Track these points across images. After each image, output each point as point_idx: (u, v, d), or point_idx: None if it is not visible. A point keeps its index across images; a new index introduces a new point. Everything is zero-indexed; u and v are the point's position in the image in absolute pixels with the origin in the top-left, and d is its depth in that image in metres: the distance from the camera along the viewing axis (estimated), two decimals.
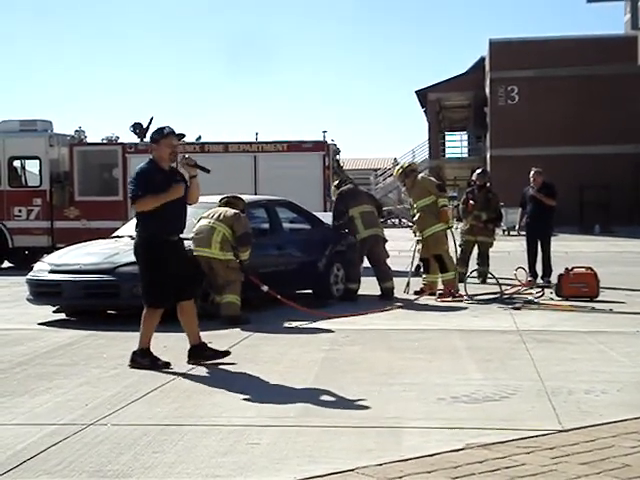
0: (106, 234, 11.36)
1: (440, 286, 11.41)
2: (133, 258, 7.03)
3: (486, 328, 8.61)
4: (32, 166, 18.04)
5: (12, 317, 9.97)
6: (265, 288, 9.42)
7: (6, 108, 77.78)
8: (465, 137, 48.84)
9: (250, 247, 9.24)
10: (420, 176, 12.05)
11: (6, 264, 17.93)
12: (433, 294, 11.23)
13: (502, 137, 36.34)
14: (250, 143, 18.15)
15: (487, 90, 38.41)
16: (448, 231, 11.52)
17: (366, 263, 11.86)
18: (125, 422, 5.04)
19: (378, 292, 11.26)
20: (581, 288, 10.73)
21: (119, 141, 19.95)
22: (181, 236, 6.83)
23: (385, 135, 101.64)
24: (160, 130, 6.73)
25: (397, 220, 40.60)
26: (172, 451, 4.47)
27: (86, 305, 9.79)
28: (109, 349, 7.63)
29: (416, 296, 11.23)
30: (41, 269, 9.90)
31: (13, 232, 17.43)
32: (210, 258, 9.15)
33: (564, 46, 35.75)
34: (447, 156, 45.25)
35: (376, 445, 4.51)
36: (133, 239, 6.96)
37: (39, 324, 9.34)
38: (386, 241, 11.59)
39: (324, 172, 16.99)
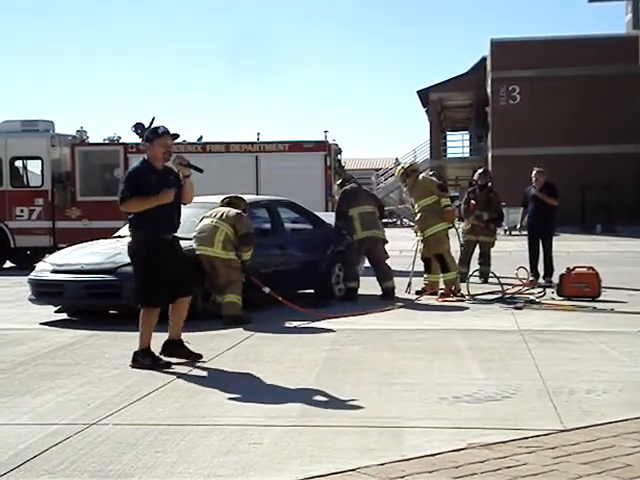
0: (108, 234, 11.37)
1: (441, 286, 11.41)
2: None
3: (488, 328, 8.61)
4: (34, 166, 18.05)
5: (14, 317, 9.99)
6: (267, 290, 9.43)
7: (6, 108, 77.92)
8: (467, 137, 48.85)
9: (252, 247, 9.25)
10: (421, 176, 12.05)
11: (8, 264, 17.94)
12: (434, 294, 11.23)
13: (503, 137, 36.33)
14: (252, 143, 18.16)
15: (488, 90, 38.41)
16: (452, 230, 11.54)
17: (367, 263, 11.89)
18: (127, 422, 5.04)
19: (379, 292, 11.27)
20: (583, 288, 10.73)
21: (121, 141, 19.96)
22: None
23: (386, 135, 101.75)
24: (154, 130, 6.74)
25: (398, 220, 40.59)
26: (174, 451, 4.47)
27: (88, 305, 9.80)
28: (111, 349, 7.64)
29: (417, 296, 11.23)
30: (43, 269, 9.91)
31: (15, 232, 17.44)
32: (212, 257, 9.17)
33: (565, 46, 35.75)
34: (449, 156, 45.23)
35: (378, 445, 4.51)
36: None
37: (41, 324, 9.35)
38: (386, 242, 11.59)
39: (325, 172, 17.00)
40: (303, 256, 11.24)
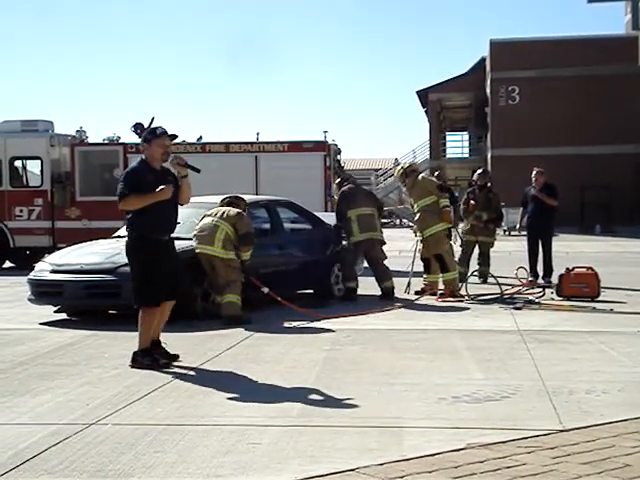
0: (107, 234, 11.37)
1: (441, 286, 11.41)
2: None
3: (487, 328, 8.62)
4: (33, 166, 18.06)
5: (13, 317, 9.98)
6: (266, 290, 9.43)
7: (6, 108, 77.88)
8: (466, 137, 48.86)
9: (252, 247, 9.25)
10: (421, 176, 12.05)
11: (7, 264, 17.94)
12: (434, 294, 11.24)
13: (503, 137, 36.35)
14: (251, 143, 18.19)
15: (488, 90, 38.43)
16: (453, 230, 11.55)
17: (366, 263, 11.89)
18: (126, 422, 5.04)
19: (378, 292, 11.27)
20: (582, 288, 10.74)
21: (120, 141, 19.95)
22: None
23: (386, 135, 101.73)
24: (153, 130, 6.77)
25: (398, 220, 40.60)
26: (173, 451, 4.47)
27: (87, 305, 9.79)
28: (110, 349, 7.64)
29: (417, 296, 11.24)
30: (42, 269, 9.91)
31: (14, 232, 17.44)
32: (212, 256, 9.17)
33: (565, 46, 35.77)
34: (448, 156, 45.23)
35: (377, 445, 4.51)
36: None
37: (40, 324, 9.35)
38: (384, 243, 11.59)
39: (325, 172, 17.01)
40: (302, 256, 11.25)
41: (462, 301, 10.80)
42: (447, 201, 11.50)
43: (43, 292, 9.77)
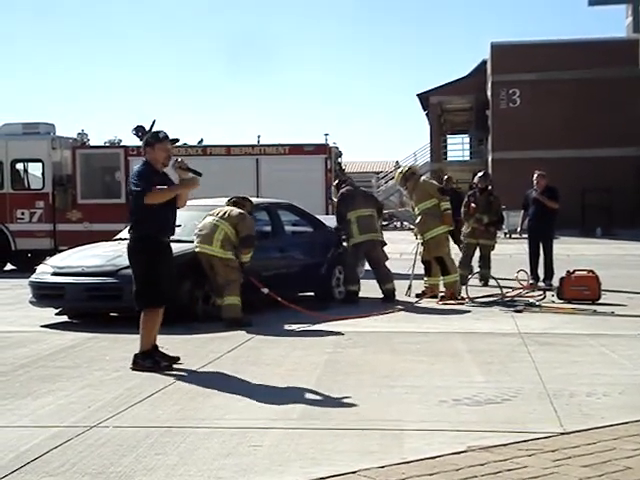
0: (108, 237, 11.38)
1: (442, 289, 11.42)
2: None
3: (488, 331, 8.62)
4: (35, 169, 18.08)
5: (15, 319, 9.99)
6: (265, 290, 9.42)
7: (6, 108, 77.95)
8: (467, 140, 48.82)
9: (252, 249, 9.25)
10: (422, 179, 12.07)
11: (9, 267, 17.95)
12: (435, 297, 11.24)
13: (504, 140, 36.34)
14: (252, 146, 18.20)
15: (489, 93, 38.43)
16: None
17: (367, 266, 11.89)
18: (127, 424, 5.05)
19: (380, 294, 11.27)
20: (583, 291, 10.74)
21: (121, 144, 19.97)
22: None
23: (387, 137, 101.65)
24: (156, 134, 6.88)
25: (399, 223, 40.61)
26: (174, 453, 4.48)
27: (89, 307, 9.80)
28: (111, 351, 7.64)
29: (418, 299, 11.24)
30: (44, 271, 9.92)
31: (16, 235, 17.45)
32: (210, 255, 9.17)
33: (566, 49, 35.77)
34: (449, 159, 45.20)
35: (378, 447, 4.52)
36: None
37: (42, 326, 9.36)
38: (384, 244, 11.60)
39: (326, 175, 17.02)
40: (303, 259, 11.26)
41: (463, 304, 10.80)
42: (448, 204, 11.50)
43: (44, 294, 9.78)
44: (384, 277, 11.30)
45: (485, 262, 13.08)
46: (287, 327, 9.03)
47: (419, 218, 11.50)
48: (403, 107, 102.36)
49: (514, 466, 4.10)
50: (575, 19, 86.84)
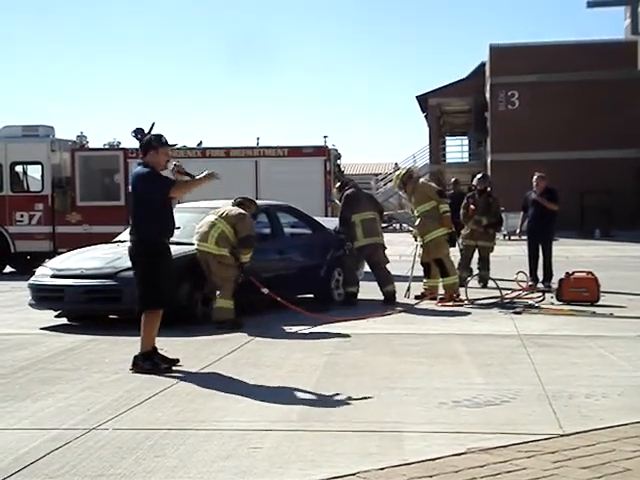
0: (108, 239, 11.38)
1: (441, 291, 11.43)
2: None
3: (487, 332, 8.62)
4: (34, 171, 18.07)
5: (14, 322, 9.99)
6: (265, 291, 9.41)
7: (6, 109, 77.93)
8: (466, 142, 48.86)
9: (252, 250, 9.25)
10: (420, 181, 12.09)
11: (8, 269, 17.95)
12: (434, 299, 11.25)
13: (502, 142, 36.37)
14: (251, 148, 18.22)
15: (487, 95, 38.46)
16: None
17: (367, 268, 11.90)
18: (127, 426, 5.05)
19: (379, 296, 11.28)
20: (582, 292, 10.75)
21: (120, 146, 19.97)
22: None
23: (386, 139, 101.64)
24: (159, 138, 7.00)
25: (398, 225, 40.63)
26: (174, 455, 4.48)
27: (88, 310, 9.80)
28: (111, 354, 7.64)
29: (417, 301, 11.25)
30: (43, 274, 9.92)
31: (15, 237, 17.45)
32: (206, 252, 9.18)
33: (564, 51, 35.81)
34: (448, 161, 45.24)
35: (378, 449, 4.52)
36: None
37: (41, 329, 9.36)
38: (385, 248, 11.61)
39: (325, 177, 17.03)
40: (303, 261, 11.27)
41: (462, 305, 10.81)
42: (447, 206, 11.52)
43: (44, 297, 9.78)
44: (384, 279, 11.31)
45: (484, 264, 13.09)
46: (287, 329, 9.03)
47: (418, 220, 11.51)
48: (402, 109, 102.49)
49: (513, 468, 4.10)
50: (574, 21, 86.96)
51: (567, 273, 11.07)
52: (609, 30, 78.97)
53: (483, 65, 40.10)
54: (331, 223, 12.25)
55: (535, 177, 13.04)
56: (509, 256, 19.03)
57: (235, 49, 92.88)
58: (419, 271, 11.83)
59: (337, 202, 12.09)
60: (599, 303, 10.60)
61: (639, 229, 31.17)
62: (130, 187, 7.04)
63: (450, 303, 10.94)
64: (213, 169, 7.04)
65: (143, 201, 6.84)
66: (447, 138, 48.67)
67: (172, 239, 7.13)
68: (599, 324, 9.14)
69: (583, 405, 5.42)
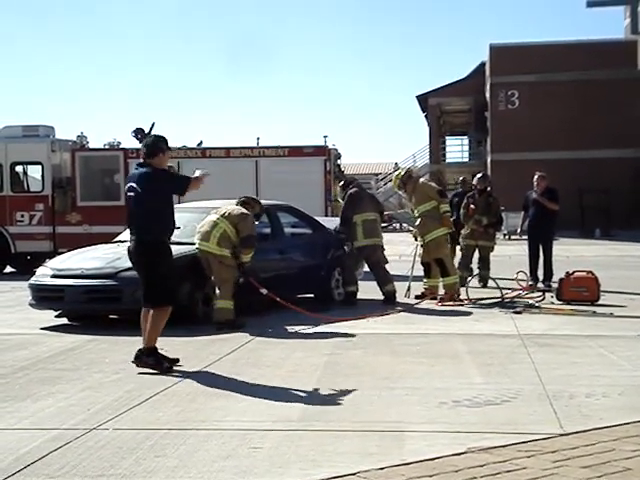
0: (108, 239, 11.39)
1: (441, 290, 11.43)
2: None
3: (487, 332, 8.63)
4: (34, 171, 18.08)
5: (14, 322, 9.99)
6: (264, 291, 9.40)
7: (6, 109, 77.99)
8: (466, 142, 48.87)
9: (253, 250, 9.24)
10: (421, 181, 12.09)
11: (8, 269, 17.95)
12: (434, 298, 11.25)
13: (502, 142, 36.38)
14: (251, 148, 18.21)
15: (487, 95, 38.47)
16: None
17: (366, 267, 11.90)
18: (127, 426, 5.05)
19: (379, 296, 11.28)
20: (582, 292, 10.75)
21: (121, 146, 19.97)
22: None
23: (386, 139, 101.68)
24: (166, 142, 7.13)
25: (398, 224, 40.64)
26: (174, 455, 4.48)
27: (88, 310, 9.80)
28: (111, 354, 7.65)
29: (417, 300, 11.25)
30: (43, 274, 9.93)
31: (15, 237, 17.46)
32: (207, 252, 9.18)
33: (564, 51, 35.81)
34: (448, 160, 45.26)
35: (378, 449, 4.52)
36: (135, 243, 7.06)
37: (41, 329, 9.36)
38: (384, 249, 11.61)
39: (325, 177, 17.03)
40: (303, 260, 11.27)
41: (462, 305, 10.82)
42: (447, 206, 11.54)
43: (44, 297, 9.78)
44: (383, 278, 11.31)
45: (484, 263, 13.09)
46: (287, 329, 9.03)
47: (419, 220, 11.52)
48: (402, 109, 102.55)
49: (513, 467, 4.10)
50: (573, 21, 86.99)
51: (567, 273, 11.07)
52: (609, 30, 79.03)
53: (483, 65, 40.11)
54: (331, 223, 12.25)
55: (536, 177, 13.04)
56: (509, 256, 19.03)
57: (235, 49, 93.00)
58: (419, 271, 11.83)
59: (340, 201, 12.08)
60: (599, 303, 10.60)
61: (636, 229, 31.18)
62: (129, 188, 7.01)
63: (450, 303, 10.94)
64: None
65: (151, 200, 6.86)
66: (447, 138, 48.68)
67: (173, 239, 7.18)
68: (599, 324, 9.14)
69: (583, 405, 5.42)
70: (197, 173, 7.10)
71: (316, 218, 12.26)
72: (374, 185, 43.23)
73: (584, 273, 11.09)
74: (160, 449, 4.58)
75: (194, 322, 9.15)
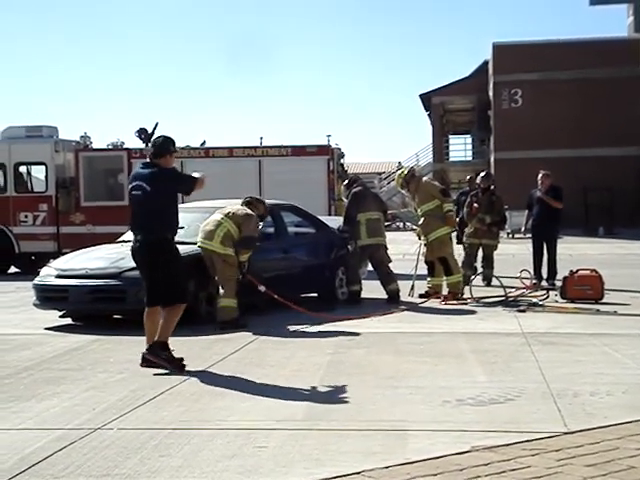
0: (112, 239, 11.40)
1: (445, 289, 11.42)
2: None
3: (491, 331, 8.62)
4: (38, 172, 18.10)
5: (19, 322, 10.01)
6: (262, 288, 9.37)
7: (6, 109, 78.16)
8: (469, 140, 48.87)
9: (251, 250, 9.24)
10: (424, 180, 12.09)
11: (12, 269, 17.98)
12: (438, 297, 11.24)
13: (506, 140, 36.34)
14: (255, 147, 18.23)
15: (490, 93, 38.44)
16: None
17: (370, 267, 11.90)
18: (132, 426, 5.06)
19: (383, 295, 11.28)
20: (586, 290, 10.74)
21: (124, 147, 19.99)
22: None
23: (389, 138, 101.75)
24: (174, 143, 7.20)
25: (401, 223, 40.63)
26: (179, 455, 4.49)
27: (92, 310, 9.82)
28: (115, 354, 7.66)
29: (421, 299, 11.25)
30: (47, 274, 9.94)
31: (19, 237, 17.48)
32: (210, 251, 9.19)
33: (567, 49, 35.77)
34: (451, 159, 45.25)
35: (382, 448, 4.52)
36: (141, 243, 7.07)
37: (45, 329, 9.37)
38: (387, 249, 11.62)
39: (328, 176, 17.04)
40: (306, 260, 11.28)
41: (466, 304, 10.81)
42: (450, 205, 11.54)
43: (48, 297, 9.80)
44: (387, 277, 11.32)
45: (488, 262, 13.08)
46: (291, 328, 9.04)
47: (422, 219, 11.52)
48: (405, 108, 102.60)
49: (518, 466, 4.10)
50: (576, 19, 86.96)
51: (571, 271, 11.06)
52: (612, 28, 78.84)
53: (486, 63, 40.08)
54: (334, 222, 12.25)
55: (540, 175, 13.03)
56: (513, 254, 19.01)
57: (235, 49, 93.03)
58: (423, 270, 11.83)
59: (344, 199, 12.07)
60: (603, 301, 10.58)
61: (639, 227, 31.12)
62: (136, 186, 7.01)
63: (454, 302, 10.93)
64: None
65: (158, 199, 6.90)
66: (450, 136, 48.67)
67: (176, 239, 7.17)
68: (603, 322, 9.13)
69: (587, 403, 5.42)
70: (196, 175, 7.17)
71: (320, 217, 12.26)
72: (377, 184, 43.19)
73: (588, 271, 11.08)
74: (164, 449, 4.59)
75: (197, 322, 9.15)
